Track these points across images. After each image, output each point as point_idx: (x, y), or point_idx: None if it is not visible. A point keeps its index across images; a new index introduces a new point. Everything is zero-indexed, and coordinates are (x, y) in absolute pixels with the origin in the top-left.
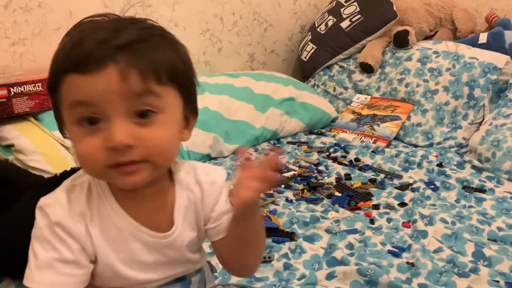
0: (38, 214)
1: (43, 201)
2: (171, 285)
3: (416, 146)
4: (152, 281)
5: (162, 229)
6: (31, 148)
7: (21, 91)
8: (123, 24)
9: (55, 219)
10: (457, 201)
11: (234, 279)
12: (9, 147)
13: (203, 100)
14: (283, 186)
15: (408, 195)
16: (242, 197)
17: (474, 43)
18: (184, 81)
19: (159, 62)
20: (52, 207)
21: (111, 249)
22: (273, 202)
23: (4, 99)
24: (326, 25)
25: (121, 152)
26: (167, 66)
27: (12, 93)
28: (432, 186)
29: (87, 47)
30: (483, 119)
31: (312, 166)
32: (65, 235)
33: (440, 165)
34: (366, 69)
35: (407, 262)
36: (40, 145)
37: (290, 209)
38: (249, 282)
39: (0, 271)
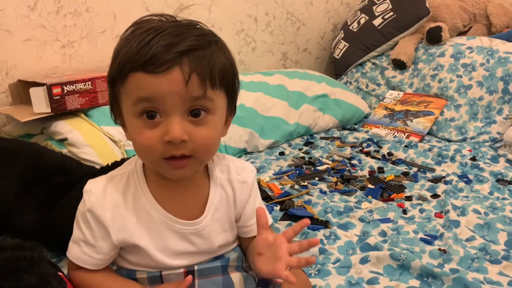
0: (83, 197)
1: (86, 186)
2: (210, 262)
3: (449, 141)
4: (188, 266)
5: (193, 219)
6: (82, 142)
7: (73, 89)
8: (184, 29)
9: (88, 206)
10: (491, 193)
11: None
12: (62, 141)
13: (239, 97)
14: (316, 178)
15: (441, 188)
16: (275, 269)
17: (509, 37)
18: (231, 84)
19: (215, 68)
20: (88, 194)
21: (146, 235)
22: (307, 193)
23: (59, 97)
24: (359, 23)
25: (175, 146)
26: (221, 72)
27: (65, 91)
28: (465, 179)
29: (155, 50)
30: None
31: (345, 160)
32: (93, 221)
33: (473, 158)
34: (399, 65)
35: (439, 249)
36: (91, 139)
37: (324, 199)
38: None
39: (60, 251)
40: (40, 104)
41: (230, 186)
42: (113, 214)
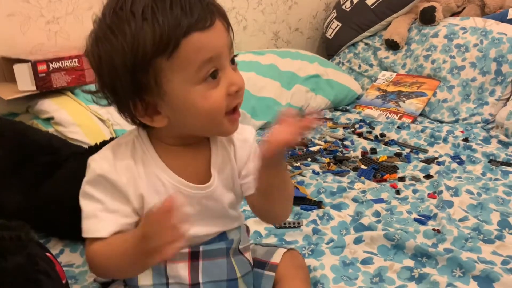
0: (90, 167)
1: (91, 157)
2: (215, 243)
3: (441, 122)
4: (198, 236)
5: (201, 182)
6: (69, 121)
7: (59, 66)
8: None
9: (100, 172)
10: (483, 174)
11: (265, 241)
12: (49, 120)
13: None
14: (309, 159)
15: (434, 168)
16: (277, 140)
17: (503, 18)
18: None
19: (226, 13)
20: (97, 161)
21: (158, 200)
22: (300, 174)
23: (44, 74)
24: (352, 2)
25: (237, 95)
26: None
27: (51, 68)
28: (458, 160)
29: (196, 9)
30: (511, 95)
31: (338, 141)
32: (110, 186)
33: (466, 140)
34: (392, 46)
35: (433, 229)
36: (78, 118)
37: (317, 180)
38: (280, 245)
39: (47, 232)
40: (24, 81)
41: (231, 144)
42: (128, 178)
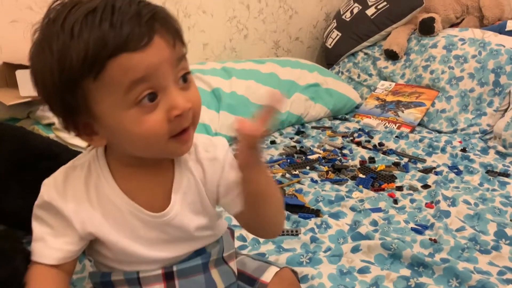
0: (41, 191)
1: (44, 181)
2: (191, 260)
3: (440, 132)
4: (166, 259)
5: (159, 208)
6: None
7: None
8: (121, 1)
9: (47, 199)
10: (481, 184)
11: (263, 249)
12: (50, 126)
13: (231, 85)
14: (308, 167)
15: (432, 178)
16: (244, 133)
17: (501, 30)
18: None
19: (177, 24)
20: (46, 186)
21: (113, 227)
22: (298, 182)
23: None
24: (352, 12)
25: (183, 118)
26: (179, 27)
27: None
28: (456, 170)
29: (126, 27)
30: (509, 106)
31: (337, 149)
32: (56, 213)
33: (464, 150)
34: (391, 56)
35: (430, 239)
36: None
37: (315, 188)
38: (278, 252)
39: None
40: (26, 87)
41: (199, 166)
42: (76, 207)
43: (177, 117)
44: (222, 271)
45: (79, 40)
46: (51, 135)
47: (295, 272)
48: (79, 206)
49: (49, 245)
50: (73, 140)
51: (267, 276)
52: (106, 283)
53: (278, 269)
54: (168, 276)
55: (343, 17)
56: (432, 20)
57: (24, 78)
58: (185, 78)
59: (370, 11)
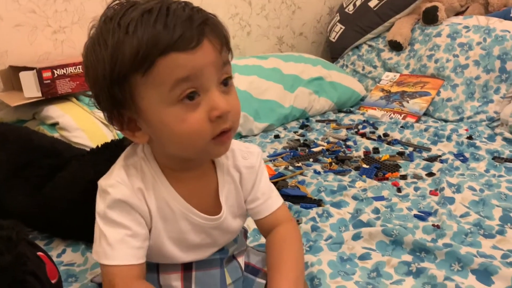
0: (100, 196)
1: (105, 182)
2: (210, 255)
3: (446, 121)
4: (196, 260)
5: (210, 212)
6: (74, 126)
7: (63, 73)
8: (176, 5)
9: (121, 197)
10: (487, 171)
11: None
12: (54, 126)
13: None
14: (311, 159)
15: (436, 166)
16: None
17: (506, 16)
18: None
19: (226, 32)
20: (116, 186)
21: (164, 227)
22: (301, 174)
23: (49, 81)
24: (354, 5)
25: (223, 120)
26: (228, 35)
27: (56, 75)
28: (461, 158)
29: (181, 28)
30: None
31: (341, 141)
32: (133, 211)
33: (470, 137)
34: (395, 47)
35: (433, 225)
36: (82, 123)
37: (318, 179)
38: None
39: (51, 232)
40: (30, 88)
41: (237, 172)
42: (142, 203)
43: (217, 118)
44: (231, 267)
45: (133, 37)
46: (56, 135)
47: None
48: (144, 203)
49: (131, 245)
50: (76, 139)
51: None
52: None
53: None
54: (186, 266)
55: (346, 10)
56: (435, 9)
57: (27, 80)
58: (226, 82)
59: (373, 3)
